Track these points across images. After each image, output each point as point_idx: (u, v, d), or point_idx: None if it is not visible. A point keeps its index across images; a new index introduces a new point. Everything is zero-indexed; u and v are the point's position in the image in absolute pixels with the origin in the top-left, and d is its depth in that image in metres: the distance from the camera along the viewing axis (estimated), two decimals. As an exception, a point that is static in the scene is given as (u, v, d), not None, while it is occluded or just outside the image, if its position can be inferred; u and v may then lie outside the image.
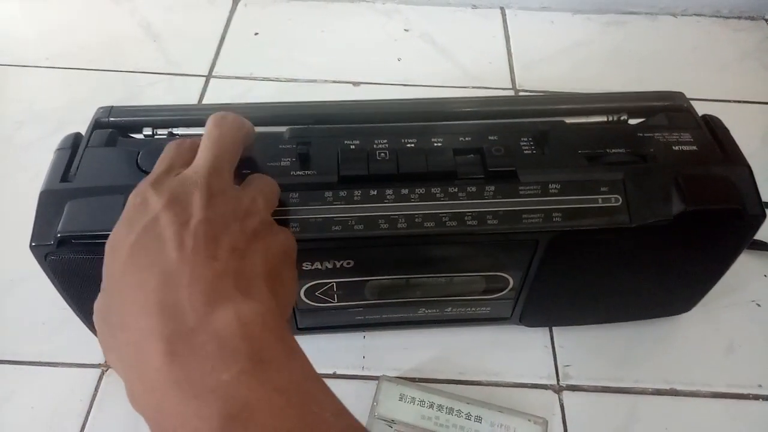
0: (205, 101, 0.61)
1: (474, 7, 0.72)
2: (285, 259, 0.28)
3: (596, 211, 0.34)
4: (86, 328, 0.40)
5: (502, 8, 0.72)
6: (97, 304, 0.26)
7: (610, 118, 0.41)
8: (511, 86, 0.64)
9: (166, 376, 0.21)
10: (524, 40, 0.68)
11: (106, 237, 0.32)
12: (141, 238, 0.25)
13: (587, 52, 0.67)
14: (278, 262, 0.27)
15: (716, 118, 0.39)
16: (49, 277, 0.35)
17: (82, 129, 0.39)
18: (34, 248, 0.33)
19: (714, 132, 0.38)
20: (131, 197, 0.27)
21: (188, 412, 0.21)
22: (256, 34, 0.68)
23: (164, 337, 0.22)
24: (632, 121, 0.41)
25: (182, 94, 0.61)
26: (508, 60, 0.66)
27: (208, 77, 0.63)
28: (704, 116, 0.40)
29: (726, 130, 0.38)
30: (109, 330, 0.25)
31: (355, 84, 0.63)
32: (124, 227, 0.26)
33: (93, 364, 0.43)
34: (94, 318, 0.26)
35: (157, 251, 0.24)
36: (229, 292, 0.23)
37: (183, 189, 0.26)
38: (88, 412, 0.41)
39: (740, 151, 0.37)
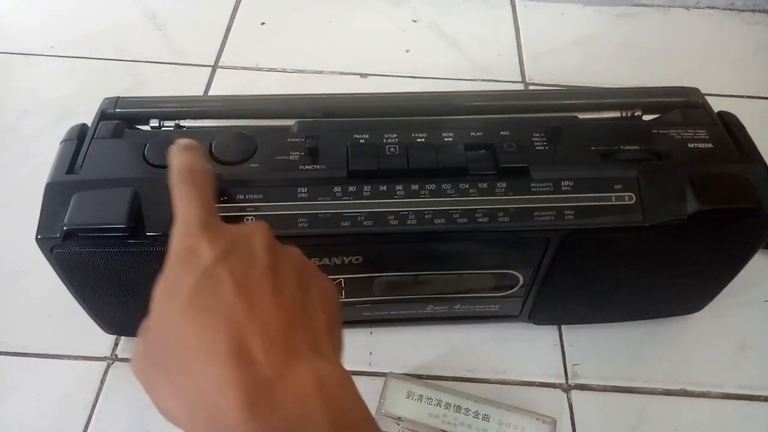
0: (211, 92, 0.60)
1: (483, -3, 0.71)
2: (337, 310, 0.27)
3: (609, 209, 0.34)
4: (92, 321, 0.40)
5: (511, -1, 0.71)
6: (141, 349, 0.24)
7: (624, 114, 0.40)
8: (520, 79, 0.63)
9: (245, 428, 0.20)
10: (534, 32, 0.67)
11: (112, 230, 0.32)
12: (202, 282, 0.23)
13: (598, 45, 0.66)
14: (333, 312, 0.26)
15: (732, 115, 0.39)
16: (55, 270, 0.34)
17: (87, 118, 0.38)
18: (40, 241, 0.32)
19: (730, 129, 0.38)
20: (177, 241, 0.25)
21: None
22: (263, 23, 0.68)
23: (241, 387, 0.20)
24: (646, 117, 0.40)
25: (188, 84, 0.61)
26: (518, 52, 0.65)
27: (215, 67, 0.63)
28: (720, 113, 0.39)
29: (742, 128, 0.38)
30: (165, 375, 0.23)
31: (363, 75, 0.62)
32: (178, 269, 0.24)
33: (99, 357, 0.43)
34: (136, 364, 0.24)
35: (221, 297, 0.23)
36: (301, 347, 0.22)
37: (242, 236, 0.25)
38: (94, 405, 0.41)
39: (757, 149, 0.36)
